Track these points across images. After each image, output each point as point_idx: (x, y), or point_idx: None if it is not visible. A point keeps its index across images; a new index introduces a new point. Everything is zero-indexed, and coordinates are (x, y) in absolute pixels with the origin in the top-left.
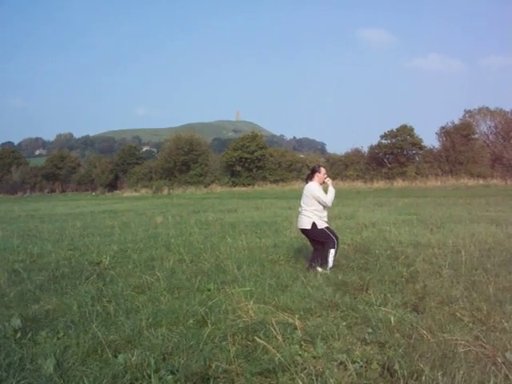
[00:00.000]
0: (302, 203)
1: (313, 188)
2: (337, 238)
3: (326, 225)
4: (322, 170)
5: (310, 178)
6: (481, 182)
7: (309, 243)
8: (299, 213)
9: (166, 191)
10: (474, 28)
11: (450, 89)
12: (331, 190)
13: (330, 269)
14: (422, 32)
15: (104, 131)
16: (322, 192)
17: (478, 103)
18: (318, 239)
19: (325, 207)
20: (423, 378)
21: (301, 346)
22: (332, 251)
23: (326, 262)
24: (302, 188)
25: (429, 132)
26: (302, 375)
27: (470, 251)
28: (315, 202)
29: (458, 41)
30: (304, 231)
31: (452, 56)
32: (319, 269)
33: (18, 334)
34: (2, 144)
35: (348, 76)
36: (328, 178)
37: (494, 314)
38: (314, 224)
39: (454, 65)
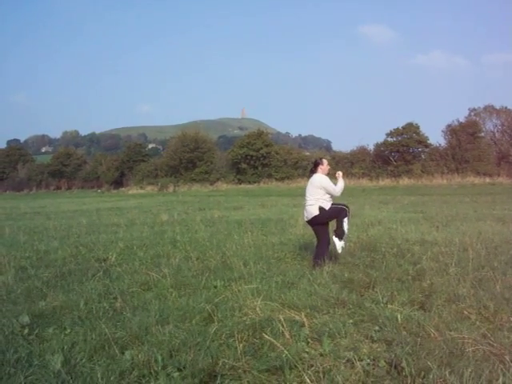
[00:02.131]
0: (306, 195)
1: (320, 178)
2: (347, 207)
3: (331, 203)
4: (325, 161)
5: (313, 171)
6: (487, 180)
7: (315, 241)
8: (304, 206)
9: (171, 188)
10: (476, 25)
11: (453, 86)
12: (341, 181)
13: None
14: (424, 29)
15: (110, 128)
16: (330, 182)
17: (482, 100)
18: (331, 219)
19: (331, 196)
20: (431, 376)
21: (308, 343)
22: (345, 220)
23: (342, 231)
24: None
25: (432, 129)
26: (310, 372)
27: (477, 249)
28: (320, 191)
29: (461, 38)
30: (313, 220)
31: (455, 53)
32: (338, 242)
33: (26, 331)
34: (9, 141)
35: (353, 73)
36: (339, 172)
37: (501, 312)
38: (320, 208)
39: (458, 62)
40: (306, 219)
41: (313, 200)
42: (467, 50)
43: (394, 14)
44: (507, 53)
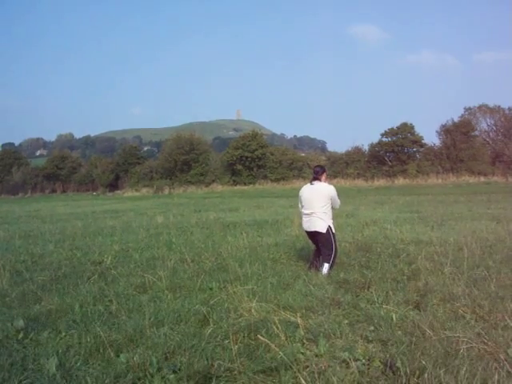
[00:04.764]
0: (314, 205)
1: (330, 189)
2: (336, 252)
3: (334, 230)
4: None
5: (318, 178)
6: (482, 179)
7: (310, 242)
8: (309, 215)
9: (166, 191)
10: (466, 24)
11: (445, 85)
12: None
13: (325, 275)
14: (412, 28)
15: (105, 131)
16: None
17: (474, 99)
18: (324, 244)
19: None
20: (426, 375)
21: (303, 344)
22: (326, 265)
23: (321, 271)
24: (309, 189)
25: (426, 129)
26: (305, 373)
27: (472, 248)
28: (328, 204)
29: (450, 37)
30: (315, 233)
31: (444, 52)
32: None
33: (21, 334)
34: (3, 144)
35: (346, 74)
36: None
37: (495, 311)
38: (329, 229)
39: (448, 61)
40: (307, 229)
41: (321, 213)
42: (457, 50)
43: (383, 14)
44: (498, 51)
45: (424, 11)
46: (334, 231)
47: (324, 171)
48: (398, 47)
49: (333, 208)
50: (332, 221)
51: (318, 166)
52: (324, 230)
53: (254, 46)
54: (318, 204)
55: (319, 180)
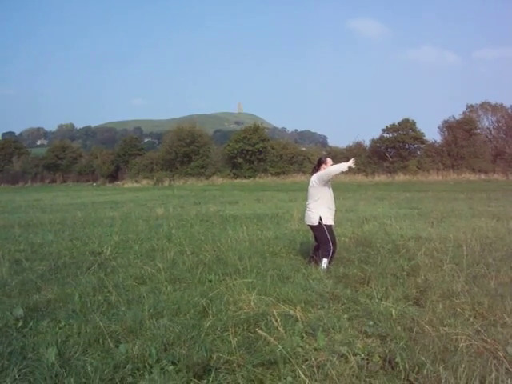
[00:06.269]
0: (307, 197)
1: (315, 176)
2: (334, 246)
3: (332, 222)
4: (329, 160)
5: (315, 170)
6: (482, 176)
7: (310, 236)
8: (306, 207)
9: (167, 182)
10: (466, 19)
11: (444, 82)
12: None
13: (324, 270)
14: (414, 23)
15: (105, 122)
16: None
17: (475, 96)
18: (319, 237)
19: (330, 197)
20: (425, 371)
21: (302, 337)
22: (325, 260)
23: (320, 266)
24: (307, 182)
25: (425, 125)
26: (304, 367)
27: (471, 245)
28: (321, 193)
29: (451, 32)
30: (310, 227)
31: (446, 48)
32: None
33: (20, 323)
34: (4, 134)
35: (348, 68)
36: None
37: (495, 308)
38: (320, 220)
39: (448, 57)
40: (305, 222)
41: (313, 205)
42: (457, 46)
43: (383, 8)
44: (498, 48)
45: (424, 6)
46: (327, 223)
47: (322, 162)
48: (398, 42)
49: (330, 197)
50: (327, 210)
51: (323, 156)
52: (315, 223)
53: (257, 39)
54: (310, 195)
55: (317, 172)
